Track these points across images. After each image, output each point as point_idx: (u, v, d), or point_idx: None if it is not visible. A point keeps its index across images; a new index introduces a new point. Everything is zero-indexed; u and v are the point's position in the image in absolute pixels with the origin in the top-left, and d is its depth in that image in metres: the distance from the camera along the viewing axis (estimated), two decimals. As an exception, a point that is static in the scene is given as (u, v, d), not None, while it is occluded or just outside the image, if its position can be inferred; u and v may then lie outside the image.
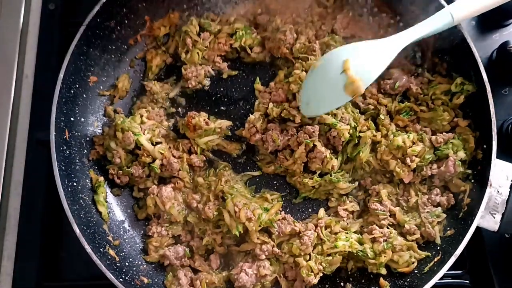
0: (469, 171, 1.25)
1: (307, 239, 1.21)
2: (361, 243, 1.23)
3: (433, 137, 1.28)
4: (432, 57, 1.38)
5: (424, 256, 1.22)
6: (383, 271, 1.21)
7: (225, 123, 1.38)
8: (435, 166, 1.27)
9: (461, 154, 1.25)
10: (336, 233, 1.25)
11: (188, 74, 1.42)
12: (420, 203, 1.26)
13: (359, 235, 1.26)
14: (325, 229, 1.25)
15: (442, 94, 1.32)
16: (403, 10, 1.40)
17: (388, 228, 1.25)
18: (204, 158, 1.37)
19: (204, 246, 1.27)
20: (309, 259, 1.21)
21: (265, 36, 1.46)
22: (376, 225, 1.25)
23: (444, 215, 1.25)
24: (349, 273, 1.27)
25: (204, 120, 1.34)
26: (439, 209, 1.25)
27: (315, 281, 1.20)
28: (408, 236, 1.24)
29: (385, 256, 1.20)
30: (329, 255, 1.22)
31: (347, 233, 1.25)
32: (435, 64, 1.38)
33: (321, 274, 1.21)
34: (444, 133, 1.29)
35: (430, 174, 1.27)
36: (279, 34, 1.42)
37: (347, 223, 1.29)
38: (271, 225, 1.24)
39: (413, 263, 1.21)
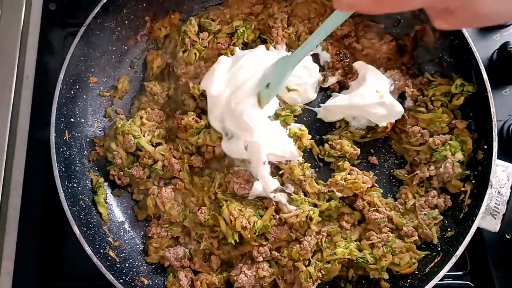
0: (468, 172, 1.25)
1: (307, 244, 1.20)
2: (360, 249, 1.22)
3: (431, 139, 1.28)
4: (432, 57, 1.38)
5: (423, 255, 1.21)
6: (385, 275, 1.20)
7: None
8: (433, 167, 1.27)
9: (459, 156, 1.25)
10: (335, 242, 1.24)
11: (179, 71, 1.42)
12: (417, 206, 1.25)
13: (358, 242, 1.24)
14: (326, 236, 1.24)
15: (441, 95, 1.32)
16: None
17: (385, 232, 1.24)
18: (203, 159, 1.36)
19: (202, 250, 1.27)
20: (309, 265, 1.21)
21: (260, 20, 1.47)
22: (375, 232, 1.24)
23: (441, 217, 1.24)
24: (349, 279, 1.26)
25: (193, 118, 1.33)
26: (436, 211, 1.25)
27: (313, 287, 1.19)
28: (406, 238, 1.23)
29: (385, 260, 1.19)
30: (328, 262, 1.20)
31: (347, 241, 1.24)
32: (435, 65, 1.38)
33: (319, 281, 1.20)
34: (441, 135, 1.29)
35: (428, 176, 1.27)
36: (270, 20, 1.43)
37: (348, 234, 1.27)
38: (267, 231, 1.23)
39: (414, 263, 1.20)
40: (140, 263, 1.27)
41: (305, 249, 1.20)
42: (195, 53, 1.42)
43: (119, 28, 1.39)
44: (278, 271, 1.23)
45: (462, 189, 1.25)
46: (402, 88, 1.35)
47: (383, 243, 1.21)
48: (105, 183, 1.33)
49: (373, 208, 1.26)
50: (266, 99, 1.24)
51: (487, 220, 1.17)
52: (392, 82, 1.34)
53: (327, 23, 1.02)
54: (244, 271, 1.21)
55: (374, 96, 1.29)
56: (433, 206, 1.26)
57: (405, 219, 1.25)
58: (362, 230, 1.27)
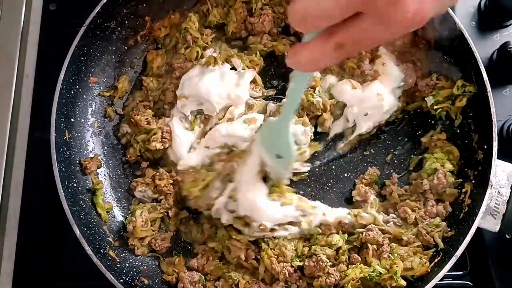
0: (460, 180, 1.25)
1: (332, 280, 1.16)
2: (368, 265, 1.18)
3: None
4: (432, 57, 1.38)
5: (431, 254, 1.20)
6: (402, 281, 1.15)
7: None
8: (426, 181, 1.25)
9: (448, 166, 1.26)
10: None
11: (175, 65, 1.41)
12: (418, 218, 1.24)
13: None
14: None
15: (444, 100, 1.31)
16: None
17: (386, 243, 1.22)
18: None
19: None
20: None
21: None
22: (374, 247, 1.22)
23: (444, 223, 1.23)
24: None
25: (146, 119, 1.33)
26: (438, 219, 1.23)
27: None
28: (409, 245, 1.22)
29: (397, 266, 1.16)
30: (342, 287, 1.17)
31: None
32: (436, 65, 1.38)
33: None
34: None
35: (423, 190, 1.26)
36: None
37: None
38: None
39: (425, 263, 1.18)
40: (140, 263, 1.27)
41: (329, 285, 1.16)
42: (197, 51, 1.41)
43: (119, 28, 1.40)
44: None
45: (462, 190, 1.24)
46: (411, 85, 1.34)
47: (388, 253, 1.19)
48: (104, 184, 1.33)
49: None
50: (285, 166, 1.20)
51: (487, 220, 1.16)
52: (403, 77, 1.34)
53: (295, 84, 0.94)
54: (260, 285, 1.20)
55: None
56: (433, 215, 1.24)
57: (403, 229, 1.24)
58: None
